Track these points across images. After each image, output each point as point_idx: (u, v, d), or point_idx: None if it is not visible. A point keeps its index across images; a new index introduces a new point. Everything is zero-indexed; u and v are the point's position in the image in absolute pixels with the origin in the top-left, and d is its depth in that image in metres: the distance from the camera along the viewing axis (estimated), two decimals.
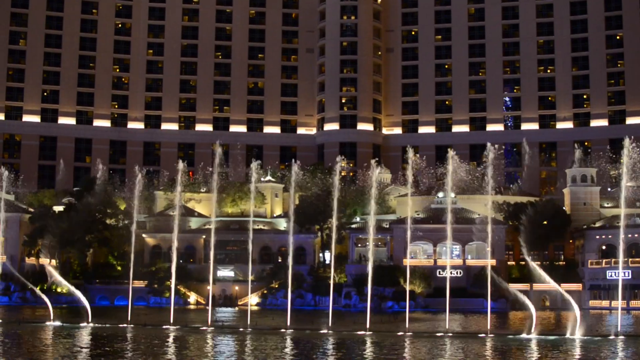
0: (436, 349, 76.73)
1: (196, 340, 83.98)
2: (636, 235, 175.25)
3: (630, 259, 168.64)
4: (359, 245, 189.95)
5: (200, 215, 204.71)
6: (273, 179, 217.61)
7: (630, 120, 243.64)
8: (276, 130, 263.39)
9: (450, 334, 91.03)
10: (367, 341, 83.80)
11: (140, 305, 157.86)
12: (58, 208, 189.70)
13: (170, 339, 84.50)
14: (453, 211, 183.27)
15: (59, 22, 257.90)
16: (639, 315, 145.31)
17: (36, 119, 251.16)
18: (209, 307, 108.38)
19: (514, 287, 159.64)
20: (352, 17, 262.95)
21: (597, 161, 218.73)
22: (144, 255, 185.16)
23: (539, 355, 72.61)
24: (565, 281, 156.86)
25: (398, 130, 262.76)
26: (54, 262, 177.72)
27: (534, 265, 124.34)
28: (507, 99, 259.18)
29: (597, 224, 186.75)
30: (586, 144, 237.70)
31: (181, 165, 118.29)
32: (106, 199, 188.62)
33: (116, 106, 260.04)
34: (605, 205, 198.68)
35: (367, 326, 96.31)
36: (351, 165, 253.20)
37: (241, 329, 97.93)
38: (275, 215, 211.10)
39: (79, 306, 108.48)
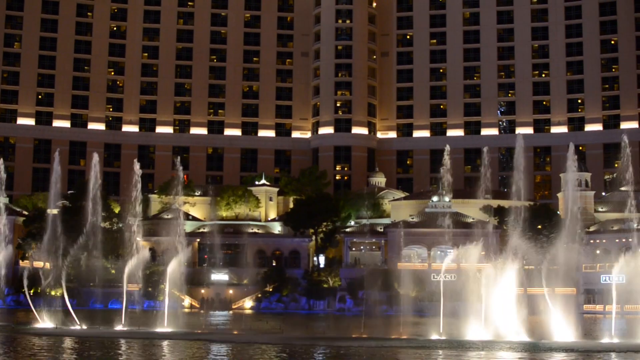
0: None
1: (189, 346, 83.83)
2: (630, 240, 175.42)
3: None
4: (354, 249, 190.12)
5: (194, 218, 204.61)
6: (267, 183, 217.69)
7: (624, 125, 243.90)
8: (271, 133, 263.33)
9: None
10: None
11: (134, 309, 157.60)
12: (52, 211, 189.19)
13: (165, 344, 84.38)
14: (447, 215, 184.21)
15: (53, 25, 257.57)
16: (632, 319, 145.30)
17: (31, 121, 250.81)
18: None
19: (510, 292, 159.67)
20: (347, 21, 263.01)
21: (592, 165, 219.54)
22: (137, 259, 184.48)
23: None
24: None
25: (393, 134, 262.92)
26: (47, 265, 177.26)
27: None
28: (501, 103, 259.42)
29: (592, 229, 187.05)
30: (580, 148, 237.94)
31: (180, 172, 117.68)
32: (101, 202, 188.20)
33: (111, 109, 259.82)
34: (600, 209, 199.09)
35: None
36: (346, 169, 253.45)
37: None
38: (269, 218, 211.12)
39: (73, 309, 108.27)
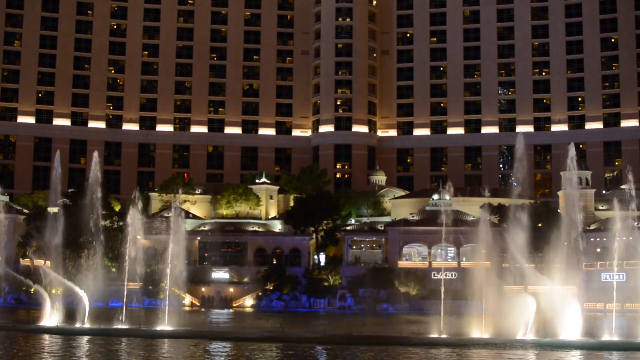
0: None
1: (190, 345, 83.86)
2: (630, 238, 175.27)
3: (624, 262, 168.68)
4: (354, 247, 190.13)
5: (195, 216, 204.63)
6: (268, 181, 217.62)
7: (624, 123, 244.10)
8: (271, 132, 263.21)
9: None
10: None
11: (134, 307, 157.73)
12: (53, 209, 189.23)
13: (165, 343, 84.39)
14: (448, 213, 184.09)
15: (54, 23, 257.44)
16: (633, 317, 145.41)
17: (31, 120, 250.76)
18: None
19: (509, 290, 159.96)
20: (348, 19, 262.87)
21: (592, 163, 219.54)
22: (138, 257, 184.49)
23: None
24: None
25: (393, 132, 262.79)
26: (48, 263, 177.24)
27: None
28: (502, 101, 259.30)
29: (592, 227, 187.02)
30: (581, 146, 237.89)
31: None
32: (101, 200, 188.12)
33: (111, 107, 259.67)
34: (600, 207, 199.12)
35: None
36: (346, 167, 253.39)
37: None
38: (270, 217, 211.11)
39: (74, 307, 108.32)
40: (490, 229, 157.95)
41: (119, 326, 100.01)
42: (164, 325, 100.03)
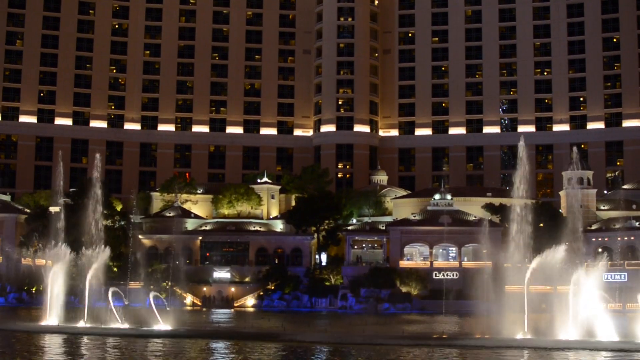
0: None
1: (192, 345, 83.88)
2: (632, 238, 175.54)
3: (626, 262, 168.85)
4: (355, 247, 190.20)
5: (196, 216, 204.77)
6: (269, 181, 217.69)
7: (626, 123, 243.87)
8: (273, 131, 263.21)
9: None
10: None
11: (136, 307, 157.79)
12: (54, 209, 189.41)
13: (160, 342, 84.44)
14: (449, 213, 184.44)
15: (55, 23, 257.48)
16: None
17: (33, 119, 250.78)
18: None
19: (510, 290, 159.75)
20: (349, 19, 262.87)
21: (594, 163, 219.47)
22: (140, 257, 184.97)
23: None
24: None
25: (395, 132, 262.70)
26: (50, 262, 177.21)
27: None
28: (503, 101, 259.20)
29: (594, 227, 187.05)
30: (582, 146, 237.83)
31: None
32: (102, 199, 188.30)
33: (113, 107, 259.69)
34: (602, 207, 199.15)
35: None
36: (347, 167, 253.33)
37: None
38: (271, 216, 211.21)
39: (74, 307, 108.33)
40: (491, 229, 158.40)
41: (120, 326, 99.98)
42: (165, 325, 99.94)
